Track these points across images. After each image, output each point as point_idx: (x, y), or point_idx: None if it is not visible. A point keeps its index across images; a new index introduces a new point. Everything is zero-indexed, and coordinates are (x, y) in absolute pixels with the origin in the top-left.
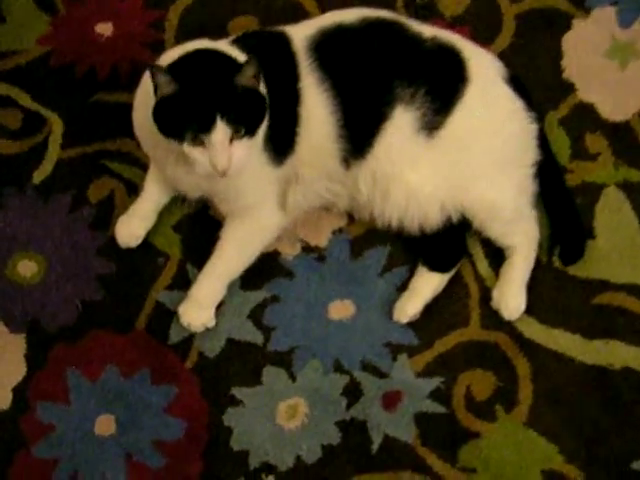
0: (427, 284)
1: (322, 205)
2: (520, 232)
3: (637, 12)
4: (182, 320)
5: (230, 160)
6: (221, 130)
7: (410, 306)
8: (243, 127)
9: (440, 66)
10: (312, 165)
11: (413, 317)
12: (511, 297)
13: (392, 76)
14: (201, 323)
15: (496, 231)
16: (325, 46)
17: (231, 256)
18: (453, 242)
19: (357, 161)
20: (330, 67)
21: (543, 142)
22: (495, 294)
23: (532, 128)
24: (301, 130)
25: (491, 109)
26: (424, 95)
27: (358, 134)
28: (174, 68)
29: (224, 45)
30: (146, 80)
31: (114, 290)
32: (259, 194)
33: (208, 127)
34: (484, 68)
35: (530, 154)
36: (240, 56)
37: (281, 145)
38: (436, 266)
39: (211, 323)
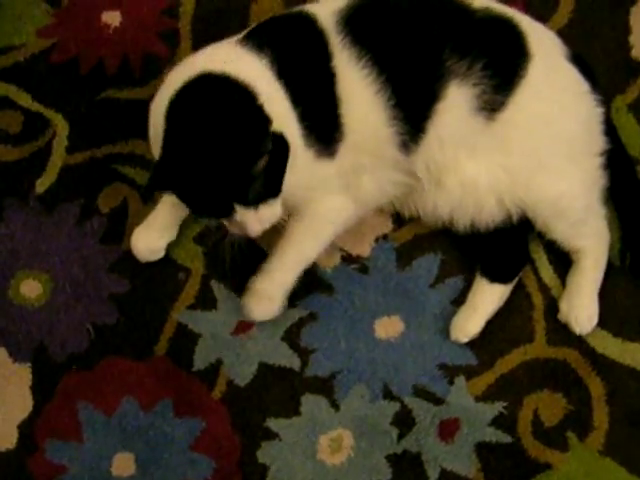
0: (488, 297)
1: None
2: (589, 233)
3: None
4: (251, 311)
5: (261, 223)
6: (242, 213)
7: (471, 324)
8: (266, 199)
9: (497, 37)
10: (372, 153)
11: (474, 336)
12: (582, 308)
13: (442, 47)
14: (271, 315)
15: (562, 232)
16: (358, 18)
17: (302, 244)
18: (514, 247)
19: (415, 146)
20: (367, 41)
21: (611, 130)
22: (563, 305)
23: (599, 112)
24: (344, 112)
25: (557, 89)
26: (482, 69)
27: (412, 115)
28: (173, 125)
29: (238, 55)
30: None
31: (130, 311)
32: (320, 189)
33: (228, 215)
34: (545, 43)
35: (598, 142)
36: (258, 74)
37: (325, 133)
38: (497, 276)
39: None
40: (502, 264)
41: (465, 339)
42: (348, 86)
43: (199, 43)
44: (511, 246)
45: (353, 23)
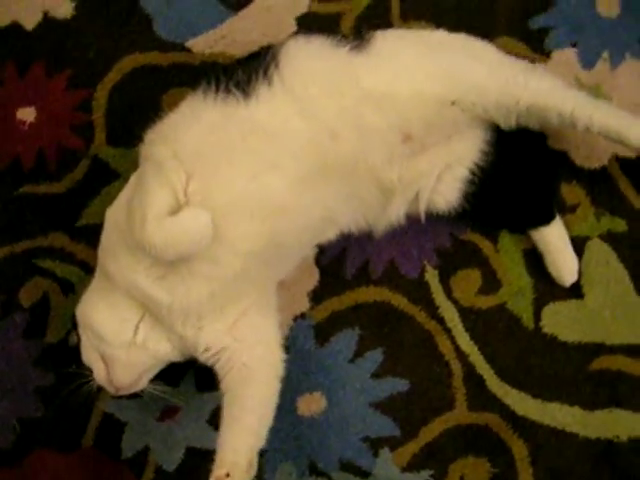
0: (558, 236)
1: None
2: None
3: (598, 52)
4: None
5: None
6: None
7: (569, 262)
8: None
9: None
10: None
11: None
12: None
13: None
14: None
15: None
16: None
17: None
18: (544, 186)
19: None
20: None
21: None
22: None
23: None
24: None
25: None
26: None
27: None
28: None
29: None
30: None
31: (55, 404)
32: None
33: None
34: None
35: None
36: None
37: None
38: (548, 216)
39: None
40: (544, 205)
41: (575, 276)
42: None
43: (113, 135)
44: (541, 187)
45: None
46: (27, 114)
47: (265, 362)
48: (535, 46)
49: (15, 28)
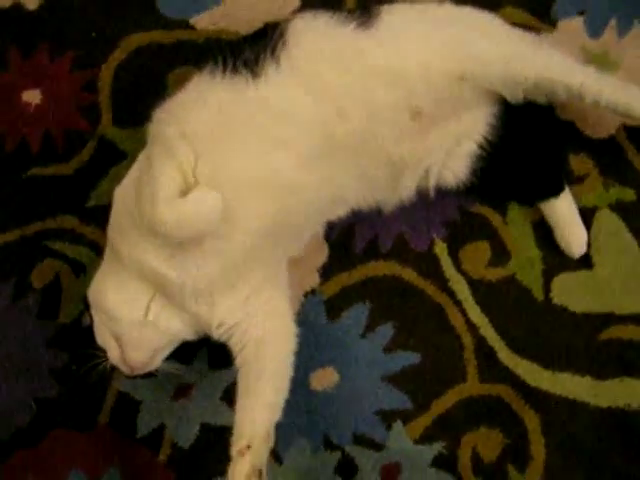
0: (567, 208)
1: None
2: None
3: (605, 20)
4: None
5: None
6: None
7: (578, 234)
8: None
9: None
10: None
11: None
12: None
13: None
14: None
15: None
16: None
17: None
18: (551, 158)
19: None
20: None
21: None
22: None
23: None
24: None
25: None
26: None
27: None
28: None
29: None
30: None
31: (70, 384)
32: None
33: None
34: None
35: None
36: None
37: None
38: (556, 189)
39: None
40: (553, 176)
41: (584, 248)
42: None
43: (119, 115)
44: (550, 158)
45: None
46: (33, 96)
47: (279, 335)
48: (541, 15)
49: (17, 9)
